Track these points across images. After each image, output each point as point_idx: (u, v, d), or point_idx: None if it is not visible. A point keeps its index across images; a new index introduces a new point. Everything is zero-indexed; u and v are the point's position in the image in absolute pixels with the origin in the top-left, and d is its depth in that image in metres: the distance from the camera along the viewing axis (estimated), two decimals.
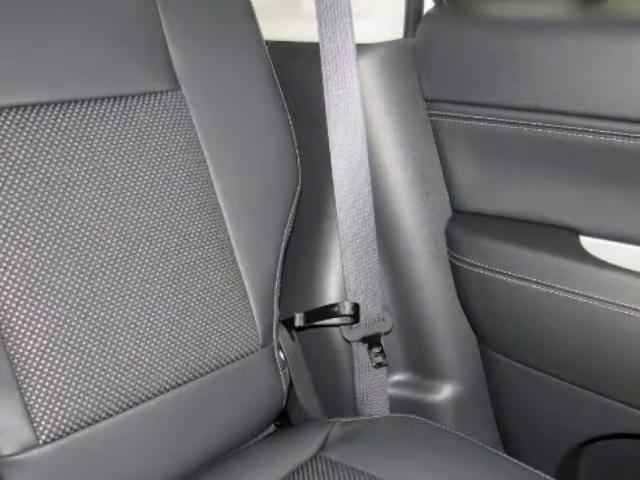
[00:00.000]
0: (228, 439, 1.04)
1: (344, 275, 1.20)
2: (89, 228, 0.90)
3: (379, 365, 1.21)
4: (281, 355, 1.11)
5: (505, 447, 1.33)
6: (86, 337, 0.88)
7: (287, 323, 1.17)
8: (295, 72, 1.24)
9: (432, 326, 1.25)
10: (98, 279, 0.90)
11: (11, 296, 0.84)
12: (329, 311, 1.19)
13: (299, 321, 1.18)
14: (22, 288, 0.85)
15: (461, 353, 1.28)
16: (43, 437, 0.85)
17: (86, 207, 0.90)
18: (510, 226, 1.14)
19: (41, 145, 0.88)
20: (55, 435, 0.86)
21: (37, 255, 0.86)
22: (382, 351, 1.21)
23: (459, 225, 1.20)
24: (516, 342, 1.18)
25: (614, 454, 1.24)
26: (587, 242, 1.06)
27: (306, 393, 1.19)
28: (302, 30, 1.22)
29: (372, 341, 1.22)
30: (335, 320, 1.20)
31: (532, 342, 1.15)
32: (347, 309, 1.18)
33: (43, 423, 0.85)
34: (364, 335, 1.22)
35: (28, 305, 0.85)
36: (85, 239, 0.90)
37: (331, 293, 1.25)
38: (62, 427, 0.86)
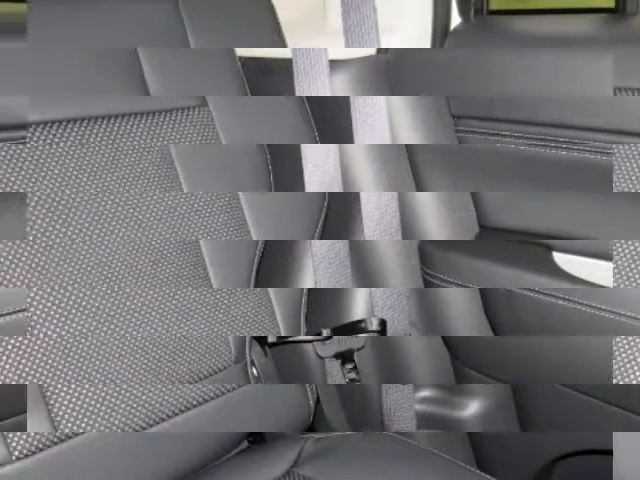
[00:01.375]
0: (200, 455, 1.03)
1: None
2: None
3: (352, 381, 1.21)
4: (254, 371, 1.10)
5: (478, 463, 1.33)
6: (52, 355, 0.87)
7: (260, 339, 1.16)
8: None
9: None
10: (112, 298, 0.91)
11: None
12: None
13: (272, 337, 1.18)
14: None
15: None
16: (16, 453, 0.84)
17: (113, 221, 0.91)
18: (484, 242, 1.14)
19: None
20: (28, 451, 0.85)
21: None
22: (355, 367, 1.21)
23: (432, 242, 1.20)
24: (489, 357, 1.18)
25: (587, 470, 1.24)
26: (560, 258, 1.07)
27: None
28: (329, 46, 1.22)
29: (345, 357, 1.22)
30: (309, 336, 1.19)
31: (502, 356, 1.15)
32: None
33: (16, 439, 0.84)
34: (337, 351, 1.22)
35: None
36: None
37: None
38: (35, 443, 0.85)
